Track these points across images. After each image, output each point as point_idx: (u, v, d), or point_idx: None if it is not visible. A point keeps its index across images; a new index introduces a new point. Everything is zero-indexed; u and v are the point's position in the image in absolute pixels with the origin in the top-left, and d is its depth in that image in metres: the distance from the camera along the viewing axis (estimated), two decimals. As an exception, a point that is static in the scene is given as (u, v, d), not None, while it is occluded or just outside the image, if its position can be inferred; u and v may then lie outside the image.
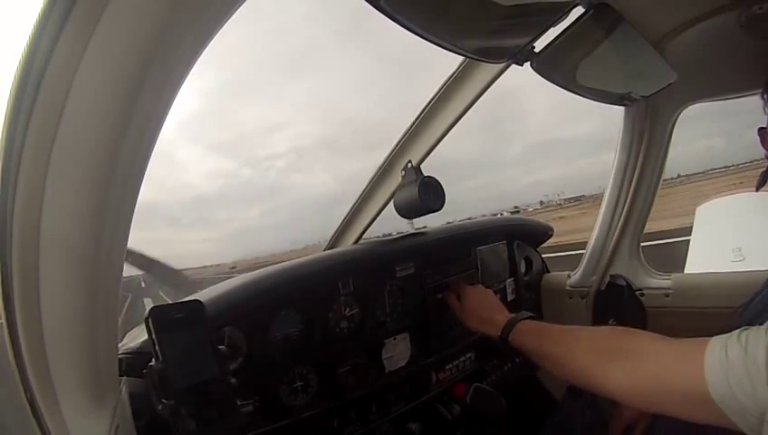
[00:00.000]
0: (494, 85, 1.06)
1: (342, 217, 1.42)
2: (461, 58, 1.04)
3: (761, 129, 0.93)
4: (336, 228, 1.47)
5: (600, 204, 1.51)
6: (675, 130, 1.35)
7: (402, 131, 1.23)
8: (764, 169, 0.95)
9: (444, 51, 0.75)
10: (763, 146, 0.92)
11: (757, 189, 0.98)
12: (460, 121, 1.14)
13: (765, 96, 0.90)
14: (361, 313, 1.08)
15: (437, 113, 1.19)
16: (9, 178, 0.43)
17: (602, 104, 1.21)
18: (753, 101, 1.11)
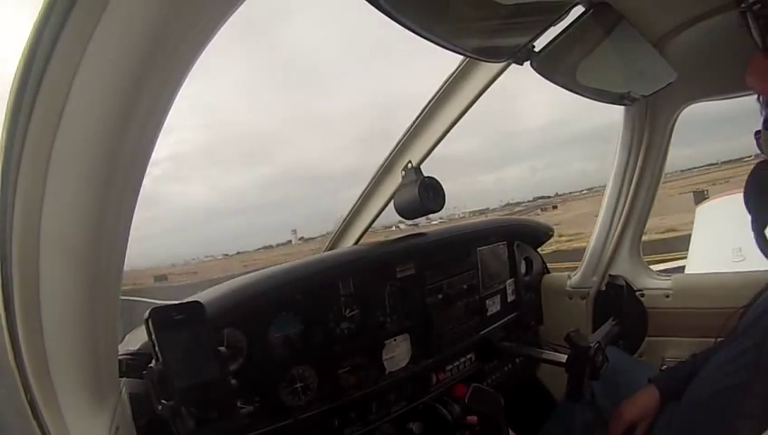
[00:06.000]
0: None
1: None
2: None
3: (757, 132, 0.92)
4: (336, 228, 1.47)
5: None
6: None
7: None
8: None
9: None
10: (759, 149, 0.92)
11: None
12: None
13: (761, 97, 0.90)
14: (362, 313, 1.08)
15: (437, 113, 1.18)
16: (9, 178, 0.43)
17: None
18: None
